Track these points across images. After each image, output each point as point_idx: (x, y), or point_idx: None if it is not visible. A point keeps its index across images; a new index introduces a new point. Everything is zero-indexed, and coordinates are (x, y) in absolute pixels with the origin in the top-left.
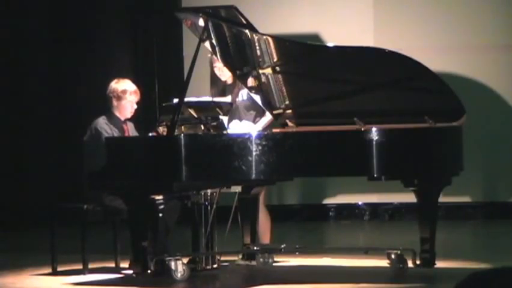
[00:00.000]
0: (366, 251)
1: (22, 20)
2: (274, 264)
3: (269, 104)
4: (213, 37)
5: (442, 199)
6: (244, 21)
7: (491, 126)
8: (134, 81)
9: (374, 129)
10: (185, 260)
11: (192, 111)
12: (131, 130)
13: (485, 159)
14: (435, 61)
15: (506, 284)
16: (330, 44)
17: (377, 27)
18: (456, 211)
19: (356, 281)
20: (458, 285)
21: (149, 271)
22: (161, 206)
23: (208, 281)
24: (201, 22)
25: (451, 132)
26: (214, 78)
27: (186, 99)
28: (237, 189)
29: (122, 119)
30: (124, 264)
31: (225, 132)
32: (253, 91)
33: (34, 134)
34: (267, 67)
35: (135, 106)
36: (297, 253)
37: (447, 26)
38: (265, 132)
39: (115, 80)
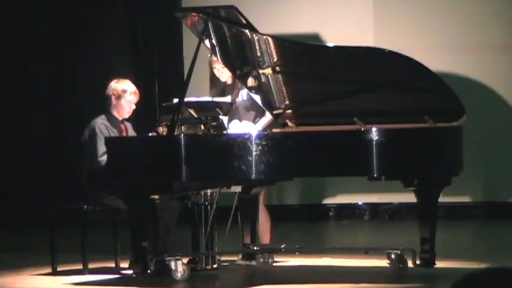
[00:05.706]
0: (366, 251)
1: (22, 20)
2: (274, 264)
3: (269, 104)
4: (213, 37)
5: (442, 199)
6: (244, 21)
7: (491, 126)
8: (134, 81)
9: (374, 129)
10: (185, 260)
11: (192, 111)
12: (129, 130)
13: (485, 159)
14: (435, 61)
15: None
16: (330, 44)
17: (377, 27)
18: (456, 211)
19: (356, 281)
20: (454, 286)
21: (149, 271)
22: (161, 206)
23: (208, 281)
24: (201, 22)
25: (451, 132)
26: (214, 79)
27: (186, 99)
28: (237, 189)
29: (120, 118)
30: (124, 264)
31: (225, 132)
32: (253, 91)
33: (34, 133)
34: (267, 67)
35: (133, 107)
36: (297, 253)
37: (447, 26)
38: (265, 132)
39: (115, 80)
